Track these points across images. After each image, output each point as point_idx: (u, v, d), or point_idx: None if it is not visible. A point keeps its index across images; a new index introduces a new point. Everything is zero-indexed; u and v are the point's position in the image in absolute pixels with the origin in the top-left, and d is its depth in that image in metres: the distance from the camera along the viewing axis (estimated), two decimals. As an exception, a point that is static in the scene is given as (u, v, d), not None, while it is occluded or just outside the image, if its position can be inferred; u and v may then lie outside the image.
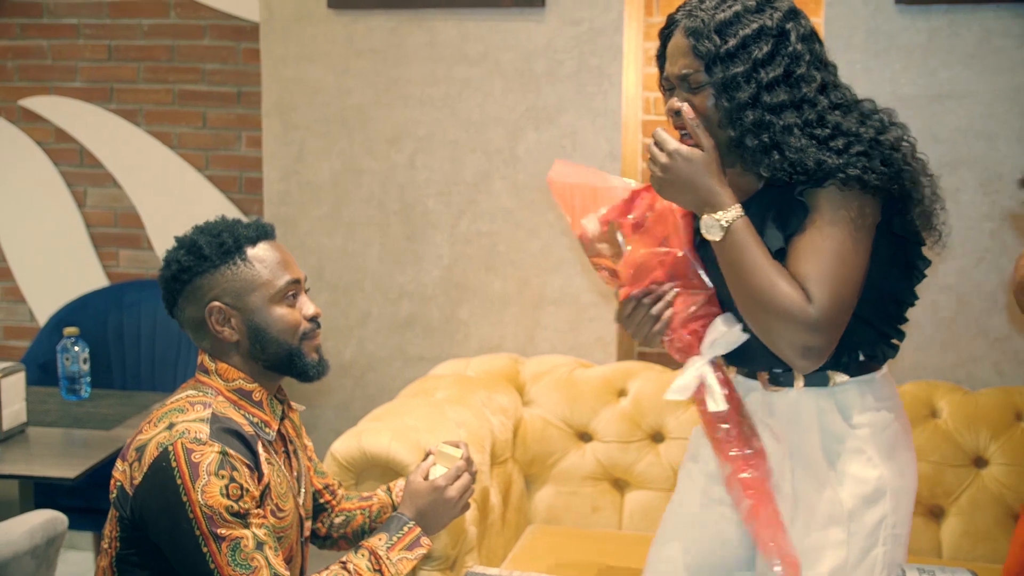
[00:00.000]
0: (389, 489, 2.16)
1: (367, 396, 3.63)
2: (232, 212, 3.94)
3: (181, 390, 1.89)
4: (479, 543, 2.67)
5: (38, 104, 4.08)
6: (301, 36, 3.55)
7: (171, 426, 1.76)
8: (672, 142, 1.78)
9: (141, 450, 1.76)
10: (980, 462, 2.96)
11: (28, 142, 4.09)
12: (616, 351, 3.46)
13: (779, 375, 1.90)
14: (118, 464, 1.83)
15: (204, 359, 1.91)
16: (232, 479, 1.71)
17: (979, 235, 3.15)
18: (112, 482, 1.82)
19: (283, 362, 1.89)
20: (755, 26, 1.76)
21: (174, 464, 1.71)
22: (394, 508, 2.10)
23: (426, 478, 1.96)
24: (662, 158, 1.78)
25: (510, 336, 3.51)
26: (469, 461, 2.00)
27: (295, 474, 1.96)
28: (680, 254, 1.89)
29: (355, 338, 3.64)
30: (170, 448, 1.72)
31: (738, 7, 1.78)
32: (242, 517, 1.72)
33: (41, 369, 3.51)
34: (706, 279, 1.90)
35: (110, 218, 4.09)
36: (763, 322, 1.75)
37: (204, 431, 1.75)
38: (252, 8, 3.77)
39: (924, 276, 1.90)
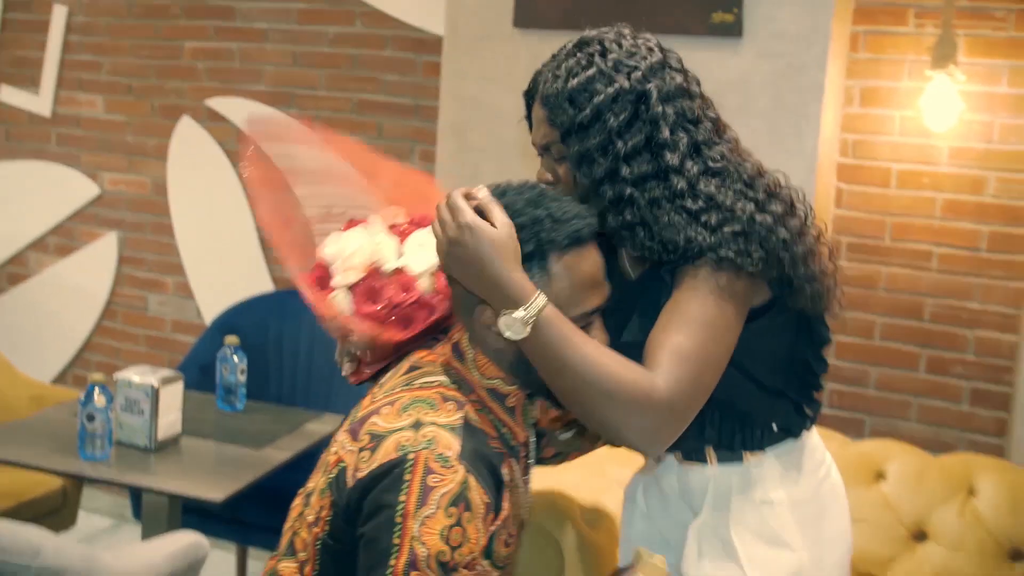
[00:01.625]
0: None
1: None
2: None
3: (426, 370, 1.60)
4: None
5: (223, 105, 4.13)
6: (484, 54, 3.43)
7: (417, 425, 1.49)
8: (468, 213, 1.48)
9: (377, 439, 1.50)
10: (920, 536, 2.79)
11: (211, 142, 4.16)
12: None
13: (691, 451, 1.77)
14: (345, 440, 1.56)
15: (462, 340, 1.61)
16: (459, 522, 1.44)
17: None
18: (333, 456, 1.57)
19: (544, 394, 1.61)
20: (611, 90, 1.56)
21: (407, 477, 1.44)
22: None
23: None
24: (451, 229, 1.49)
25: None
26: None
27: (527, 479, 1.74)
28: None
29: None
30: (411, 457, 1.45)
31: (592, 70, 1.58)
32: (447, 572, 1.44)
33: (201, 371, 3.51)
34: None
35: (281, 222, 4.06)
36: (601, 416, 1.50)
37: (454, 448, 1.47)
38: (437, 22, 3.69)
39: (830, 340, 1.76)
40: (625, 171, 1.57)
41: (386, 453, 1.47)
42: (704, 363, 1.52)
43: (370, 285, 1.67)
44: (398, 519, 1.43)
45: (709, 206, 1.57)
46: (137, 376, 2.81)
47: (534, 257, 1.51)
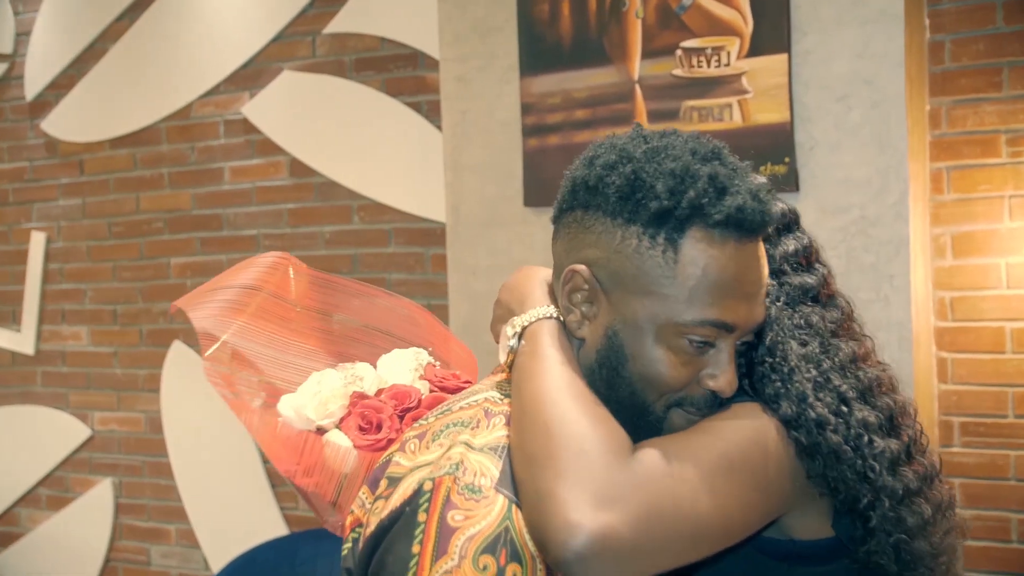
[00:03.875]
0: None
1: None
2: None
3: (481, 385, 1.26)
4: None
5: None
6: (493, 240, 2.96)
7: (448, 450, 1.12)
8: None
9: (396, 483, 1.14)
10: None
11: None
12: None
13: None
14: (363, 495, 1.20)
15: None
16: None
17: None
18: (349, 520, 1.21)
19: (624, 414, 1.15)
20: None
21: (421, 518, 1.07)
22: None
23: None
24: None
25: None
26: None
27: None
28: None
29: None
30: (427, 488, 1.09)
31: None
32: None
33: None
34: None
35: (289, 453, 3.62)
36: (534, 483, 1.05)
37: (490, 474, 1.09)
38: (439, 209, 3.32)
39: None
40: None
41: (403, 494, 1.11)
42: (691, 501, 1.07)
43: (361, 412, 1.46)
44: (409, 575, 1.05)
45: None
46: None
47: (666, 222, 1.11)
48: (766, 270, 1.18)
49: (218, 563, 3.75)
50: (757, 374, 1.22)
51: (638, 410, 1.15)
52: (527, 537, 1.06)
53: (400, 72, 3.41)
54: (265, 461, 3.70)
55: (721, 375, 1.14)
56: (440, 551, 1.04)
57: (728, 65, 2.65)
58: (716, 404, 1.17)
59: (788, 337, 1.22)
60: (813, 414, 1.17)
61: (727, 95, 2.65)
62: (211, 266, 3.79)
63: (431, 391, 1.51)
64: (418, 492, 1.09)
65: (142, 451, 3.98)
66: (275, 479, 3.71)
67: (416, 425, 1.22)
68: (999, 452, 2.79)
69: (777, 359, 1.21)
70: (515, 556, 1.05)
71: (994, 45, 2.72)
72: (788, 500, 1.19)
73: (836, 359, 1.23)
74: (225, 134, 3.74)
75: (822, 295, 1.29)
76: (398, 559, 1.07)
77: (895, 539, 1.19)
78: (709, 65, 2.67)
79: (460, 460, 1.10)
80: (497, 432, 1.14)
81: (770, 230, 1.23)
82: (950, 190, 2.78)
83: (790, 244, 1.29)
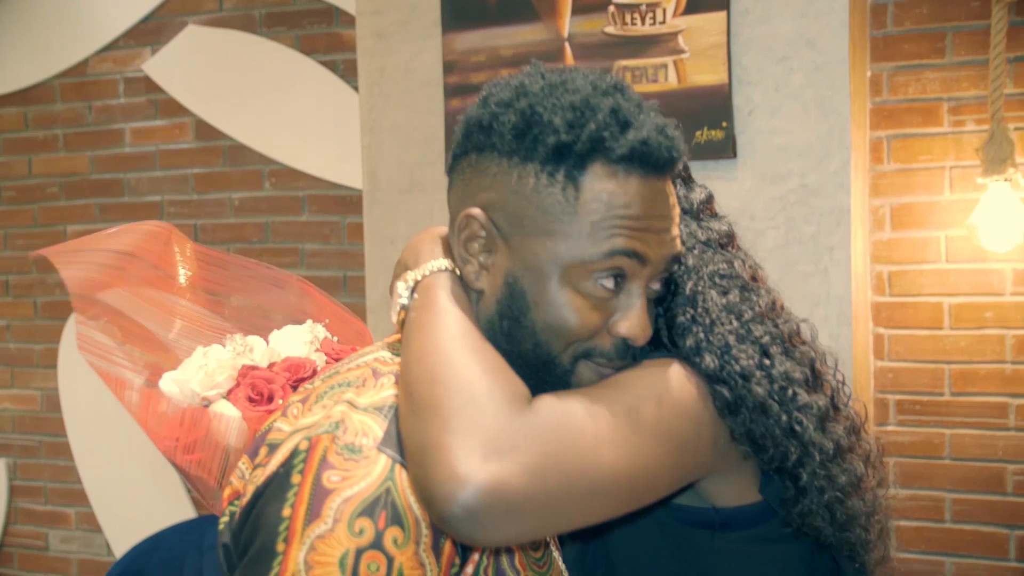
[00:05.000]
0: None
1: None
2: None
3: (372, 348, 1.18)
4: None
5: None
6: (413, 208, 2.81)
7: (330, 411, 1.05)
8: None
9: (275, 448, 1.06)
10: None
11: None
12: None
13: None
14: (242, 465, 1.11)
15: None
16: (377, 543, 0.95)
17: None
18: (227, 494, 1.11)
19: (528, 369, 1.08)
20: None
21: (295, 479, 0.99)
22: None
23: None
24: None
25: None
26: None
27: None
28: None
29: None
30: (303, 448, 1.01)
31: None
32: None
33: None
34: None
35: (195, 432, 3.51)
36: (418, 434, 0.98)
37: (373, 432, 1.01)
38: (355, 174, 3.20)
39: None
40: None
41: (280, 458, 1.03)
42: (593, 452, 1.00)
43: (251, 383, 1.37)
44: (279, 545, 0.96)
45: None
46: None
47: (565, 157, 1.04)
48: (676, 209, 1.11)
49: (121, 548, 3.71)
50: (677, 327, 1.16)
51: (543, 363, 1.08)
52: (411, 499, 0.98)
53: (314, 28, 3.29)
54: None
55: (632, 319, 1.07)
56: (313, 514, 0.97)
57: (663, 23, 2.51)
58: (629, 355, 1.10)
59: (708, 287, 1.17)
60: (737, 367, 1.12)
61: (662, 55, 2.52)
62: (112, 235, 3.63)
63: (327, 363, 1.42)
64: (294, 453, 1.01)
65: (38, 430, 3.86)
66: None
67: (301, 389, 1.15)
68: (935, 431, 2.78)
69: (699, 310, 1.15)
70: (396, 519, 0.96)
71: (938, 9, 2.66)
72: (707, 462, 1.14)
73: (755, 309, 1.18)
74: (125, 93, 3.58)
75: (734, 244, 1.24)
76: (268, 524, 0.99)
77: (828, 497, 1.15)
78: (643, 23, 2.53)
79: (341, 419, 1.02)
80: (384, 392, 1.06)
81: (681, 170, 1.19)
82: (890, 160, 2.72)
83: (698, 193, 1.24)
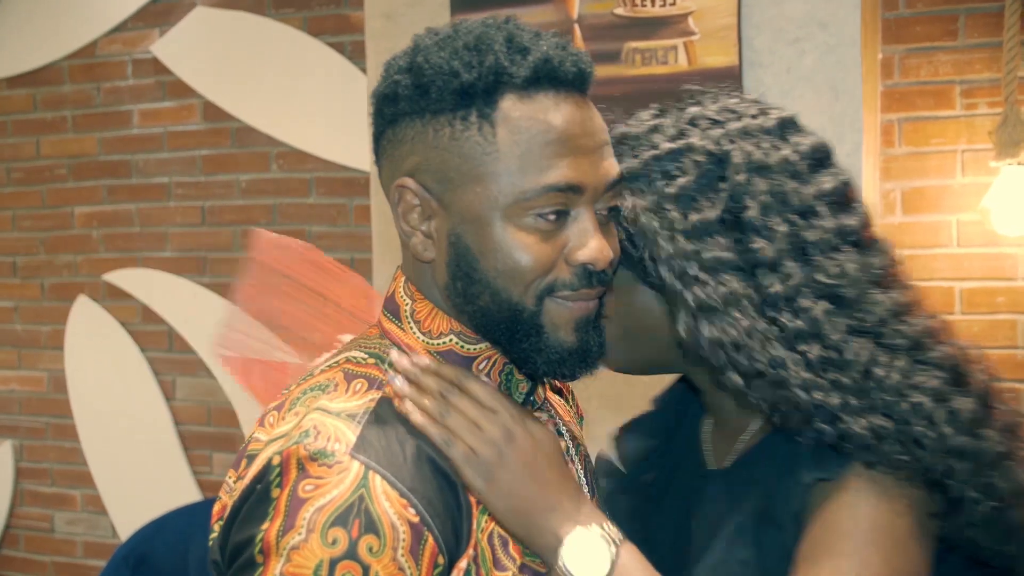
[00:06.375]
0: None
1: None
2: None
3: (347, 344, 1.18)
4: None
5: (124, 278, 3.73)
6: None
7: (302, 419, 1.04)
8: (503, 405, 1.08)
9: (252, 460, 1.06)
10: None
11: (113, 323, 3.74)
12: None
13: None
14: (228, 479, 1.11)
15: (398, 286, 1.14)
16: (352, 553, 0.94)
17: None
18: (216, 509, 1.10)
19: (497, 327, 1.08)
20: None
21: (275, 493, 0.98)
22: None
23: None
24: (492, 431, 1.06)
25: None
26: None
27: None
28: None
29: None
30: (276, 462, 1.00)
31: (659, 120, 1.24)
32: None
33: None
34: None
35: (202, 414, 3.65)
36: None
37: (345, 438, 1.00)
38: (363, 157, 3.20)
39: None
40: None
41: (253, 472, 1.03)
42: None
43: None
44: (258, 558, 0.96)
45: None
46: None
47: (473, 97, 1.03)
48: (602, 122, 1.08)
49: (127, 530, 3.65)
50: (814, 386, 1.09)
51: (508, 314, 1.05)
52: (387, 505, 0.96)
53: (323, 9, 3.28)
54: (177, 423, 3.62)
55: (589, 244, 1.04)
56: (288, 525, 0.96)
57: (673, 4, 2.50)
58: (593, 281, 1.05)
59: (843, 340, 1.09)
60: (940, 465, 1.07)
61: (672, 36, 2.51)
62: (119, 215, 3.66)
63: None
64: (267, 468, 1.00)
65: (45, 412, 3.86)
66: (187, 441, 3.61)
67: (280, 395, 1.13)
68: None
69: (849, 377, 1.09)
70: (371, 527, 0.95)
71: (950, -10, 2.63)
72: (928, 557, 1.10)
73: (901, 339, 1.11)
74: (133, 74, 3.58)
75: (864, 238, 1.16)
76: (247, 538, 0.98)
77: (984, 508, 1.09)
78: (653, 4, 2.52)
79: (312, 426, 1.01)
80: (358, 399, 1.04)
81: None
82: (901, 143, 2.71)
83: (826, 182, 1.15)
